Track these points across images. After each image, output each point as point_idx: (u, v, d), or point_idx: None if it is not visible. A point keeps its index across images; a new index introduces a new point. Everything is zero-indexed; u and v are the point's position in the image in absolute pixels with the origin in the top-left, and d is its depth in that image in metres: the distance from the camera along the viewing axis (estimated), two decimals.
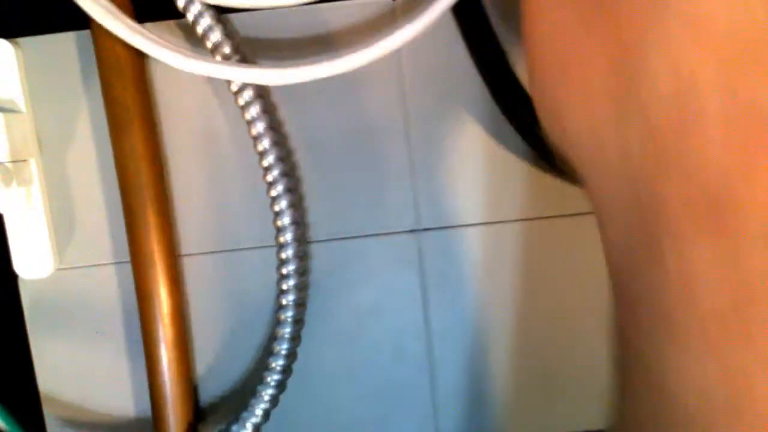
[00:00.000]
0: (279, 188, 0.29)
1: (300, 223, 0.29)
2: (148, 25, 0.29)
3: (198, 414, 0.32)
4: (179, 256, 0.31)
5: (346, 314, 0.31)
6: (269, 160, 0.29)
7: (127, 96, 0.28)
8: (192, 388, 0.31)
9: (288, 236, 0.29)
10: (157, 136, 0.30)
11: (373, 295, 0.31)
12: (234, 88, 0.28)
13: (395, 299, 0.31)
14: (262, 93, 0.29)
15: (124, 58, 0.28)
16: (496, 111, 0.30)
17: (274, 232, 0.31)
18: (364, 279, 0.31)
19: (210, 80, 0.30)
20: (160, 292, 0.29)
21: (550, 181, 0.30)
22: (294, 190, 0.30)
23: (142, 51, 0.29)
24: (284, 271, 0.29)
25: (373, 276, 0.31)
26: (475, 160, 0.30)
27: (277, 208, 0.29)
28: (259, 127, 0.29)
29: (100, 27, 0.28)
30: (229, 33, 0.28)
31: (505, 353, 0.31)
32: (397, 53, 0.30)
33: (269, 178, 0.29)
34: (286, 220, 0.29)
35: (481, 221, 0.31)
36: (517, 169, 0.30)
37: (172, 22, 0.30)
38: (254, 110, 0.28)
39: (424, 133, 0.30)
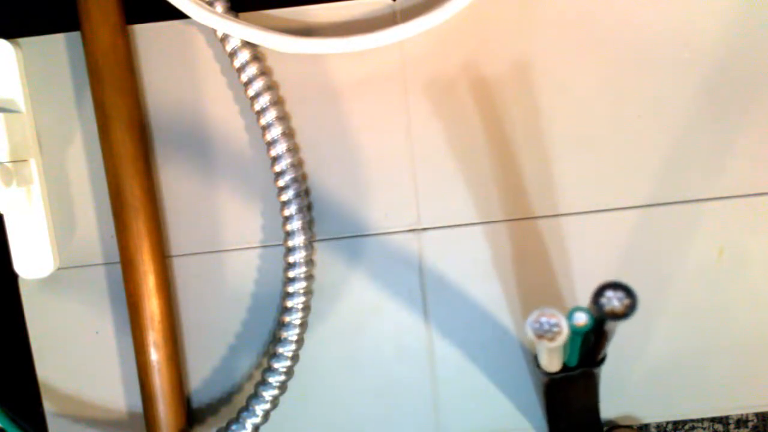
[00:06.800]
0: (290, 193, 0.29)
1: (308, 228, 0.30)
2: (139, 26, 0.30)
3: (191, 413, 0.32)
4: (169, 257, 0.31)
5: (346, 313, 0.31)
6: (281, 165, 0.29)
7: (106, 98, 0.29)
8: (182, 387, 0.31)
9: (297, 241, 0.29)
10: (145, 136, 0.30)
11: (374, 294, 0.31)
12: (247, 88, 0.29)
13: (395, 299, 0.31)
14: (276, 100, 0.29)
15: (102, 62, 0.28)
16: (494, 114, 0.30)
17: (280, 234, 0.31)
18: (365, 278, 0.31)
19: (206, 79, 0.30)
20: (148, 295, 0.29)
21: (549, 181, 0.30)
22: (305, 195, 0.30)
23: (130, 53, 0.29)
24: (291, 274, 0.29)
25: (373, 275, 0.31)
26: (475, 160, 0.30)
27: (287, 213, 0.29)
28: (274, 133, 0.29)
29: (87, 30, 0.28)
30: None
31: (505, 351, 0.32)
32: (400, 54, 0.30)
33: (281, 182, 0.29)
34: (295, 224, 0.29)
35: (481, 221, 0.31)
36: (516, 169, 0.30)
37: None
38: (270, 116, 0.29)
39: (424, 133, 0.30)
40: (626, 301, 0.20)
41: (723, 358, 0.32)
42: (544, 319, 0.21)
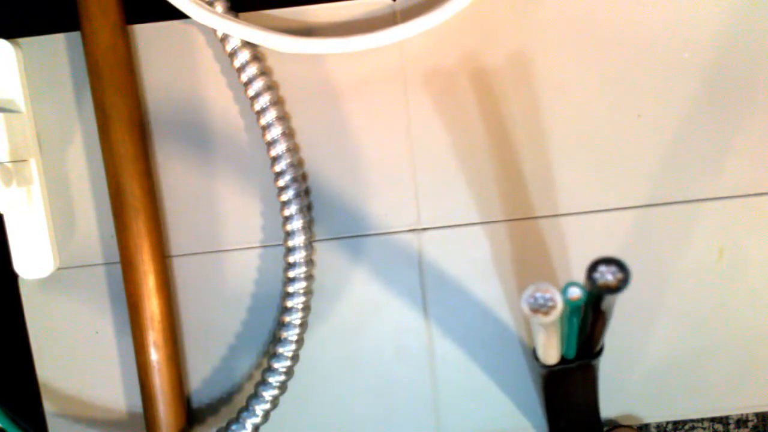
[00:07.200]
0: (290, 193, 0.29)
1: (308, 228, 0.30)
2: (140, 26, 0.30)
3: (191, 413, 0.32)
4: (169, 257, 0.31)
5: (346, 313, 0.31)
6: (281, 165, 0.29)
7: (106, 98, 0.29)
8: (182, 387, 0.31)
9: (297, 241, 0.29)
10: (145, 136, 0.30)
11: (374, 294, 0.31)
12: (247, 88, 0.28)
13: (396, 298, 0.31)
14: (276, 100, 0.29)
15: (102, 62, 0.28)
16: (493, 114, 0.30)
17: (280, 234, 0.31)
18: (365, 278, 0.31)
19: (206, 79, 0.30)
20: (148, 295, 0.29)
21: (549, 181, 0.30)
22: (305, 195, 0.30)
23: (130, 53, 0.29)
24: (291, 274, 0.29)
25: (373, 276, 0.31)
26: (475, 160, 0.30)
27: (287, 213, 0.29)
28: (274, 133, 0.29)
29: (87, 30, 0.28)
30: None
31: (505, 351, 0.32)
32: (400, 54, 0.30)
33: (281, 182, 0.29)
34: (295, 224, 0.29)
35: (481, 221, 0.31)
36: (516, 169, 0.30)
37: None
38: (270, 116, 0.29)
39: (424, 133, 0.30)
40: (619, 275, 0.20)
41: (723, 358, 0.32)
42: (538, 294, 0.21)
